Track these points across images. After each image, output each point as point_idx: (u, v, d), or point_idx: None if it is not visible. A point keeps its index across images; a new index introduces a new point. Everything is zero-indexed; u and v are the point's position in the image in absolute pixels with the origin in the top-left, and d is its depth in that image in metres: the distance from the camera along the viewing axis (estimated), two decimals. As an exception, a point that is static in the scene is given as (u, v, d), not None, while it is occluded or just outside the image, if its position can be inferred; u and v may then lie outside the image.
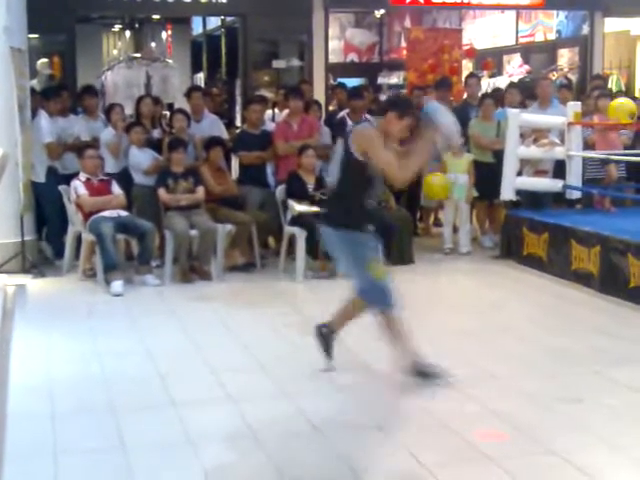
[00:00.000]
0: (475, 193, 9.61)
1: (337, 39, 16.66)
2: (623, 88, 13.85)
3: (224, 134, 9.62)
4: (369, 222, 5.36)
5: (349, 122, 9.68)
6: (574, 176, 8.98)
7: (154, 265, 8.41)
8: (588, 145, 9.23)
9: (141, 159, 8.81)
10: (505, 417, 4.77)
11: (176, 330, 6.69)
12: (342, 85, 11.44)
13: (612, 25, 14.11)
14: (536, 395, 5.13)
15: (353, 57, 17.26)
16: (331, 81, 13.58)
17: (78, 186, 8.28)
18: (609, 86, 13.08)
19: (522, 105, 10.11)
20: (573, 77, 13.89)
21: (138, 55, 15.19)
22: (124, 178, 8.79)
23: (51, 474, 4.15)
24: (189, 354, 6.07)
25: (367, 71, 16.83)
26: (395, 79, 16.19)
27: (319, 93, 11.91)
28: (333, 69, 14.18)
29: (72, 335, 6.54)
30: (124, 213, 8.31)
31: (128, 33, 19.02)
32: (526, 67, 15.13)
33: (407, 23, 16.34)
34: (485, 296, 7.84)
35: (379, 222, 8.36)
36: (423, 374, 5.25)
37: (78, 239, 8.42)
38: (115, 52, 18.48)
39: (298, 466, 4.19)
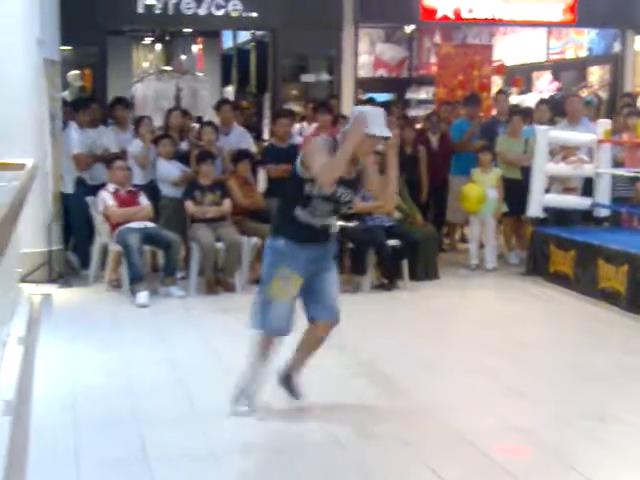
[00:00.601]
0: (505, 208, 9.57)
1: (367, 54, 16.67)
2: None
3: (252, 147, 9.65)
4: (303, 236, 4.90)
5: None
6: (602, 194, 8.94)
7: (179, 277, 8.45)
8: (617, 163, 9.17)
9: (169, 171, 8.86)
10: (527, 433, 4.75)
11: (200, 341, 6.71)
12: (372, 100, 11.44)
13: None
14: (559, 411, 5.09)
15: (382, 72, 17.26)
16: (360, 96, 13.58)
17: (106, 197, 8.34)
18: (639, 104, 13.00)
19: (551, 122, 10.06)
20: (603, 95, 13.80)
21: (168, 68, 15.31)
22: (151, 190, 8.85)
23: (73, 484, 4.18)
24: (213, 365, 6.09)
25: (396, 86, 16.82)
26: (424, 94, 16.17)
27: (348, 108, 11.91)
28: (362, 84, 14.17)
29: (97, 345, 6.57)
30: (151, 224, 8.35)
31: (159, 46, 19.14)
32: (556, 84, 15.06)
33: (437, 39, 16.33)
34: (510, 312, 7.80)
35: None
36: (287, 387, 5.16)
37: (104, 250, 8.48)
38: (145, 65, 18.60)
39: (318, 478, 4.18)
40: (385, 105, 10.67)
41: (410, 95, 16.58)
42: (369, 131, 4.79)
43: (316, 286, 5.02)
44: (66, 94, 11.48)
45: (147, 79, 14.44)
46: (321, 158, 4.71)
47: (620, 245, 7.89)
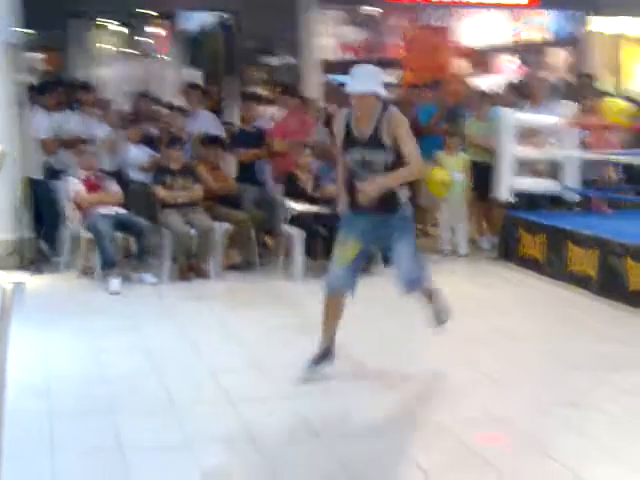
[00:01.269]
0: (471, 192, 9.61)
1: (332, 36, 16.60)
2: (615, 88, 13.89)
3: (221, 131, 9.60)
4: (355, 205, 5.32)
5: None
6: (571, 177, 9.00)
7: (152, 263, 8.38)
8: (584, 146, 9.24)
9: (137, 156, 8.78)
10: (504, 421, 4.76)
11: (173, 329, 6.67)
12: (340, 84, 11.40)
13: (605, 25, 14.15)
14: (535, 399, 5.11)
15: (347, 55, 17.21)
16: (326, 78, 13.55)
17: (75, 183, 8.25)
18: (600, 86, 13.10)
19: (515, 105, 10.09)
20: (566, 77, 13.90)
21: (133, 51, 15.14)
22: (120, 175, 8.76)
23: (48, 473, 4.13)
24: (186, 353, 6.06)
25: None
26: (389, 77, 16.14)
27: (313, 91, 11.89)
28: (327, 67, 14.13)
29: (70, 333, 6.52)
30: (122, 211, 8.28)
31: (123, 29, 18.90)
32: (520, 66, 15.14)
33: (402, 21, 16.30)
34: (483, 298, 7.84)
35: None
36: (322, 359, 5.45)
37: (75, 236, 8.39)
38: (109, 48, 18.35)
39: (294, 469, 4.17)
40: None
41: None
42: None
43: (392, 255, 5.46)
44: (30, 78, 11.29)
45: (112, 62, 14.27)
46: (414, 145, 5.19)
47: (590, 229, 7.95)
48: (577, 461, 4.22)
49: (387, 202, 5.27)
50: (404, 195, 5.37)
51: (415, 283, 5.49)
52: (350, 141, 5.25)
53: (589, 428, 4.66)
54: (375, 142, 5.19)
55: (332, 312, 5.49)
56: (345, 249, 5.40)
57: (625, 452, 4.35)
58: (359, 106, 5.20)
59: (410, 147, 5.19)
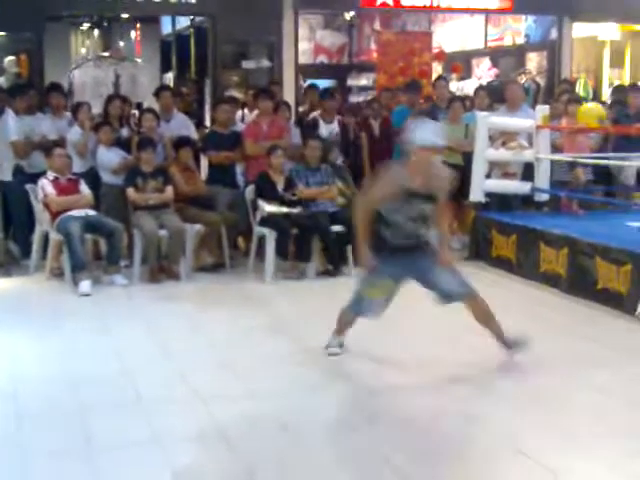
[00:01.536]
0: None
1: (307, 40, 16.63)
2: (590, 93, 13.99)
3: (193, 134, 9.59)
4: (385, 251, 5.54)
5: (321, 123, 9.70)
6: (542, 179, 9.06)
7: (123, 265, 8.35)
8: (556, 148, 9.30)
9: (109, 158, 8.75)
10: (478, 418, 4.78)
11: (144, 330, 6.65)
12: (314, 86, 11.44)
13: (580, 30, 14.24)
14: (507, 397, 5.14)
15: (323, 59, 17.25)
16: (302, 82, 13.57)
17: (46, 185, 8.21)
18: (577, 90, 13.20)
19: (490, 108, 10.16)
20: (541, 81, 13.98)
21: (107, 54, 15.10)
22: (91, 178, 8.73)
23: (17, 475, 4.11)
24: (157, 354, 6.05)
25: (337, 73, 16.82)
26: (365, 81, 16.19)
27: (289, 94, 11.90)
28: (303, 70, 14.15)
29: (39, 335, 6.48)
30: (92, 212, 8.26)
31: (97, 32, 18.88)
32: (495, 70, 15.22)
33: (377, 25, 16.36)
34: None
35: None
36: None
37: (45, 238, 8.35)
38: (83, 51, 18.33)
39: (267, 465, 4.18)
40: (328, 91, 10.67)
41: (351, 82, 16.59)
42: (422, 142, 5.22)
43: (429, 282, 5.64)
44: (2, 81, 11.24)
45: (85, 65, 14.22)
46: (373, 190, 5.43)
47: (560, 229, 8.00)
48: (552, 458, 4.25)
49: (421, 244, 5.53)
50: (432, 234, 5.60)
51: (455, 294, 5.65)
52: (407, 195, 5.30)
53: (561, 425, 4.68)
54: (429, 194, 5.33)
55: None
56: (382, 287, 5.64)
57: (600, 448, 4.38)
58: (426, 159, 5.27)
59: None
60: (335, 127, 9.78)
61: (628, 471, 4.11)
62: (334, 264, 8.45)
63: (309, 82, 12.78)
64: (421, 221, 5.45)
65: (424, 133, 5.30)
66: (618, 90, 11.29)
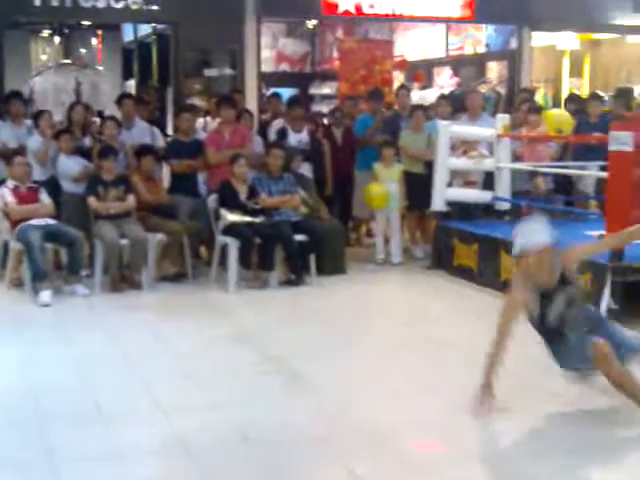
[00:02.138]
0: (405, 202, 9.70)
1: (269, 48, 16.63)
2: (550, 102, 14.14)
3: (160, 142, 9.53)
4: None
5: (290, 132, 9.70)
6: (503, 188, 9.14)
7: (84, 274, 8.29)
8: (517, 157, 9.39)
9: (69, 167, 8.69)
10: (439, 427, 4.80)
11: (106, 340, 6.61)
12: (277, 95, 11.45)
13: (539, 40, 14.38)
14: (468, 405, 5.16)
15: (285, 67, 17.25)
16: (264, 90, 13.56)
17: (5, 194, 8.14)
18: (536, 100, 13.32)
19: (452, 117, 10.23)
20: (501, 90, 14.09)
21: (68, 61, 15.00)
22: (52, 186, 8.66)
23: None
24: (119, 364, 6.01)
25: (299, 81, 16.83)
26: (327, 89, 16.21)
27: (251, 102, 11.88)
28: (265, 78, 14.14)
29: (-2, 346, 6.41)
30: (52, 221, 8.19)
31: (57, 39, 18.74)
32: (456, 79, 15.32)
33: (339, 34, 16.41)
34: (417, 307, 7.90)
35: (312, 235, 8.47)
36: None
37: (5, 248, 8.27)
38: (44, 58, 18.19)
39: (229, 477, 4.16)
40: (295, 99, 10.68)
41: (313, 90, 16.61)
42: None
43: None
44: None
45: (46, 73, 14.14)
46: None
47: (521, 238, 8.05)
48: (511, 466, 4.28)
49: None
50: None
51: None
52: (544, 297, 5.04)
53: (522, 432, 4.70)
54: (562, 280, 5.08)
55: None
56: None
57: (563, 454, 4.41)
58: (543, 259, 4.99)
59: None
60: (304, 136, 9.79)
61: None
62: (297, 273, 8.45)
63: (272, 91, 12.77)
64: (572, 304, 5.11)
65: (533, 236, 5.08)
66: (572, 99, 11.40)
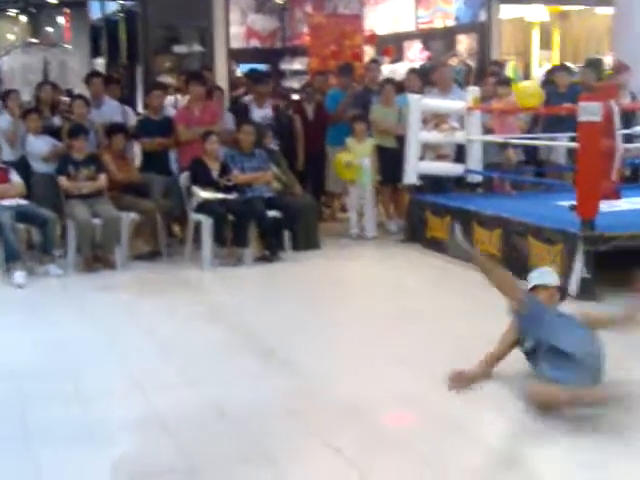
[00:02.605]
0: (378, 177, 9.73)
1: (239, 24, 16.54)
2: (520, 74, 14.17)
3: (133, 120, 9.47)
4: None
5: (254, 108, 9.67)
6: (474, 160, 9.18)
7: (57, 255, 8.24)
8: (487, 130, 9.42)
9: (39, 146, 8.63)
10: (415, 400, 4.82)
11: (81, 320, 6.59)
12: (255, 71, 11.42)
13: (508, 12, 14.40)
14: (445, 379, 5.19)
15: (255, 43, 17.18)
16: (234, 66, 13.50)
17: (-25, 175, 8.07)
18: (506, 72, 13.34)
19: (422, 91, 10.22)
20: (472, 63, 14.11)
21: (35, 40, 14.84)
22: (22, 166, 8.59)
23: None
24: (94, 344, 6.00)
25: (270, 57, 16.78)
26: (298, 65, 16.17)
27: (222, 79, 11.83)
28: (235, 55, 14.07)
29: (-28, 328, 6.39)
30: (24, 202, 8.13)
31: (24, 18, 18.52)
32: (426, 53, 15.30)
33: (308, 9, 16.34)
34: (392, 280, 7.94)
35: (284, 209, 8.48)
36: None
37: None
38: (11, 37, 17.98)
39: (207, 453, 4.17)
40: (260, 76, 10.62)
41: (284, 66, 16.56)
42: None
43: None
44: None
45: (13, 52, 13.97)
46: None
47: (493, 210, 8.12)
48: (489, 436, 4.33)
49: None
50: None
51: None
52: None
53: (501, 404, 4.73)
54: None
55: None
56: None
57: (540, 427, 4.45)
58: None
59: None
60: (268, 112, 9.76)
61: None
62: (271, 249, 8.46)
63: (250, 68, 12.70)
64: None
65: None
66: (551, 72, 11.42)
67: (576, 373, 4.58)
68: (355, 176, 9.42)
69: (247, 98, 10.19)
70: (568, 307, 5.21)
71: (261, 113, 9.66)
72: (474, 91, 9.38)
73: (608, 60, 12.51)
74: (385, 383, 5.11)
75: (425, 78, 10.76)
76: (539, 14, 14.83)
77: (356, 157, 9.43)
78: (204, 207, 8.30)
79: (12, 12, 18.50)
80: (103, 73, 12.15)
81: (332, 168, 10.02)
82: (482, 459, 4.11)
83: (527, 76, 14.34)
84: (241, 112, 9.64)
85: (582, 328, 4.87)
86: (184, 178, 8.64)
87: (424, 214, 9.06)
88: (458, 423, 4.49)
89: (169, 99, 10.04)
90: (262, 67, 14.78)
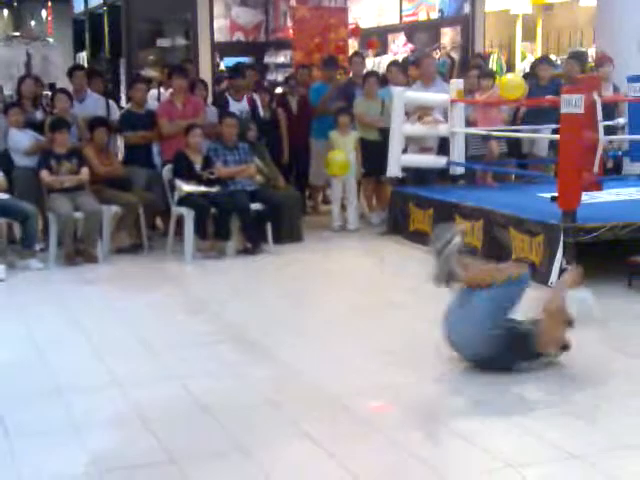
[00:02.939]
0: (362, 170, 9.73)
1: (223, 18, 16.51)
2: (504, 67, 14.19)
3: (117, 114, 9.43)
4: None
5: (231, 101, 9.62)
6: (457, 152, 9.18)
7: (38, 249, 8.21)
8: (470, 122, 9.42)
9: (21, 140, 8.58)
10: (396, 391, 4.83)
11: (61, 314, 6.55)
12: (241, 64, 11.37)
13: (492, 4, 14.41)
14: (426, 369, 5.19)
15: (239, 36, 17.15)
16: (218, 60, 13.47)
17: (-44, 169, 8.03)
18: (490, 65, 13.37)
19: (406, 83, 10.23)
20: (455, 56, 14.13)
21: (17, 34, 14.77)
22: (4, 160, 8.55)
23: None
24: (74, 338, 5.96)
25: (254, 50, 16.76)
26: (282, 58, 16.17)
27: (205, 72, 11.81)
28: (219, 48, 14.05)
29: (-48, 322, 6.36)
30: (5, 196, 8.09)
31: (6, 11, 18.43)
32: (410, 46, 15.32)
33: (292, 2, 16.31)
34: (374, 273, 7.95)
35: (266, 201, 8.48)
36: None
37: (-43, 223, 8.17)
38: (-6, 31, 17.89)
39: (187, 447, 4.17)
40: (235, 69, 10.53)
41: (268, 59, 16.55)
42: None
43: None
44: None
45: (-4, 45, 13.92)
46: None
47: (475, 202, 8.13)
48: (468, 424, 4.34)
49: None
50: None
51: None
52: None
53: (481, 394, 4.74)
54: None
55: None
56: None
57: (523, 406, 4.49)
58: None
59: None
60: (245, 105, 9.69)
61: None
62: (253, 242, 8.45)
63: (236, 62, 12.66)
64: None
65: None
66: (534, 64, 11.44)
67: None
68: (347, 170, 9.41)
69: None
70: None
71: (238, 106, 9.61)
72: (458, 83, 9.38)
73: (591, 52, 12.54)
74: (364, 374, 5.11)
75: (406, 71, 10.76)
76: (523, 7, 14.84)
77: (340, 151, 9.41)
78: (186, 200, 8.28)
79: (-3, 6, 18.43)
80: (86, 67, 12.10)
81: (316, 162, 10.01)
82: (474, 456, 4.11)
83: (510, 68, 14.36)
84: (222, 105, 9.60)
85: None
86: (167, 171, 8.63)
87: (407, 206, 9.07)
88: (437, 413, 4.50)
89: (152, 92, 10.02)
90: (247, 60, 14.77)
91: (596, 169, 7.12)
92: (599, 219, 7.08)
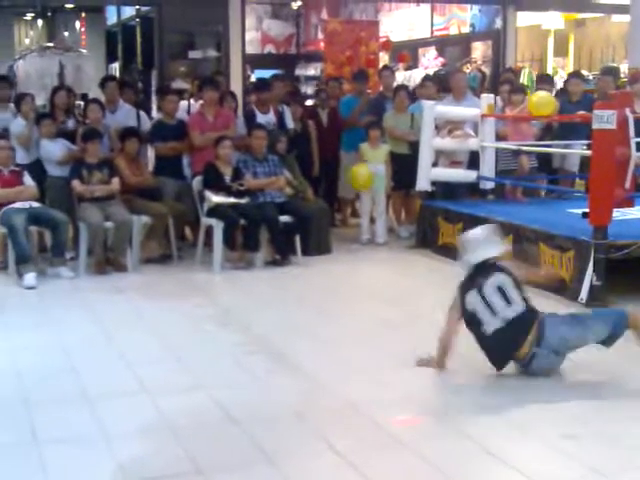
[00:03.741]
0: (392, 183, 9.73)
1: (254, 30, 16.61)
2: (534, 82, 14.15)
3: (147, 124, 9.49)
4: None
5: (257, 113, 9.63)
6: (487, 167, 9.15)
7: (68, 257, 8.28)
8: (500, 137, 9.39)
9: (53, 150, 8.66)
10: (419, 403, 4.83)
11: (91, 322, 6.60)
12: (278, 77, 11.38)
13: (524, 19, 14.39)
14: (449, 382, 5.20)
15: (270, 48, 17.24)
16: (249, 72, 13.55)
17: (-12, 177, 8.11)
18: (521, 80, 13.34)
19: (437, 97, 10.22)
20: (486, 70, 14.11)
21: (51, 44, 14.91)
22: (36, 169, 8.63)
23: (-39, 469, 4.07)
24: (104, 347, 6.00)
25: (285, 63, 16.83)
26: (312, 71, 16.23)
27: (236, 84, 11.87)
28: (250, 60, 14.13)
29: (-17, 329, 6.41)
30: (36, 204, 8.17)
31: (41, 22, 18.64)
32: (441, 60, 15.32)
33: (324, 15, 16.38)
34: (402, 285, 7.92)
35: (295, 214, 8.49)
36: None
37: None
38: (27, 41, 18.09)
39: (214, 457, 4.18)
40: (262, 82, 10.54)
41: (299, 71, 16.62)
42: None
43: None
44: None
45: (29, 56, 14.05)
46: None
47: (505, 217, 8.09)
48: (492, 439, 4.30)
49: None
50: None
51: None
52: None
53: (503, 407, 4.73)
54: None
55: None
56: None
57: (534, 427, 4.46)
58: None
59: None
60: (271, 117, 9.71)
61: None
62: (282, 254, 8.46)
63: (276, 74, 12.71)
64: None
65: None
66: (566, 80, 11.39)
67: None
68: (371, 183, 9.40)
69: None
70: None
71: (265, 118, 9.63)
72: (489, 98, 9.35)
73: (624, 68, 12.47)
74: (390, 387, 5.11)
75: (440, 85, 10.76)
76: (555, 22, 14.82)
77: (370, 164, 9.41)
78: (216, 211, 8.32)
79: (28, 16, 18.61)
80: (118, 78, 12.20)
81: (345, 174, 10.02)
82: (501, 473, 4.09)
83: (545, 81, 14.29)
84: (246, 118, 9.63)
85: None
86: (197, 182, 8.67)
87: (436, 220, 9.05)
88: (460, 425, 4.48)
89: (183, 104, 10.08)
90: (279, 73, 14.81)
91: (628, 185, 7.08)
92: (630, 236, 7.04)
